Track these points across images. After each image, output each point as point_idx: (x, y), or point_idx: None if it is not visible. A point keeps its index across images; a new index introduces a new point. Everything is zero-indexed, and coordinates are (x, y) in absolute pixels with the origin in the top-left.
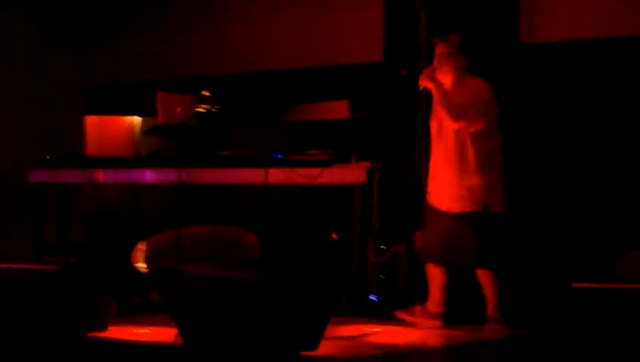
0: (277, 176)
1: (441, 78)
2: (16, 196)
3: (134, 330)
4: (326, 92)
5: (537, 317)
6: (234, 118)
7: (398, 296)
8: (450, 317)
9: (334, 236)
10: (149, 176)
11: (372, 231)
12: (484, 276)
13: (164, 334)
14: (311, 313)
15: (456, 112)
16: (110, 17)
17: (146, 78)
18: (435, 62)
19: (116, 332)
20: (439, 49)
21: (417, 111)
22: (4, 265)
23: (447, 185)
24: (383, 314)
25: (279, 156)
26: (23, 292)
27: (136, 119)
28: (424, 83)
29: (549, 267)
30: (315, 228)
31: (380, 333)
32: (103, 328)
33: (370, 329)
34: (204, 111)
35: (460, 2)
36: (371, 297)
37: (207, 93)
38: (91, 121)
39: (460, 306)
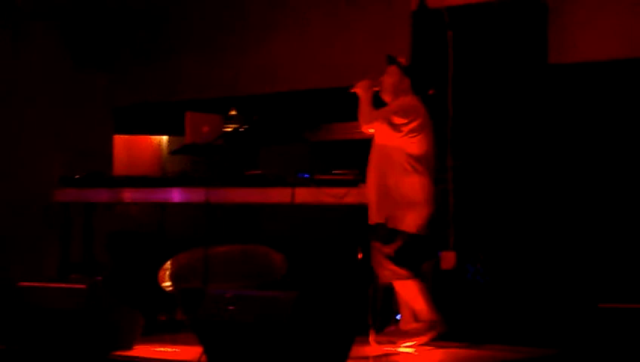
0: (303, 195)
1: (383, 96)
2: (43, 214)
3: (159, 349)
4: (352, 111)
5: (563, 336)
6: (261, 137)
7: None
8: (474, 336)
9: (360, 255)
10: (176, 195)
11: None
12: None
13: (189, 353)
14: (337, 332)
15: (370, 116)
16: (139, 38)
17: (173, 98)
18: (380, 80)
19: (141, 350)
20: (387, 70)
21: (444, 131)
22: (31, 284)
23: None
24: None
25: (306, 176)
26: (49, 311)
27: (164, 138)
28: (356, 89)
29: (575, 286)
30: (341, 247)
31: (405, 354)
32: (129, 347)
33: (395, 349)
34: (231, 130)
35: (488, 22)
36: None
37: (234, 113)
38: (119, 141)
39: (484, 326)
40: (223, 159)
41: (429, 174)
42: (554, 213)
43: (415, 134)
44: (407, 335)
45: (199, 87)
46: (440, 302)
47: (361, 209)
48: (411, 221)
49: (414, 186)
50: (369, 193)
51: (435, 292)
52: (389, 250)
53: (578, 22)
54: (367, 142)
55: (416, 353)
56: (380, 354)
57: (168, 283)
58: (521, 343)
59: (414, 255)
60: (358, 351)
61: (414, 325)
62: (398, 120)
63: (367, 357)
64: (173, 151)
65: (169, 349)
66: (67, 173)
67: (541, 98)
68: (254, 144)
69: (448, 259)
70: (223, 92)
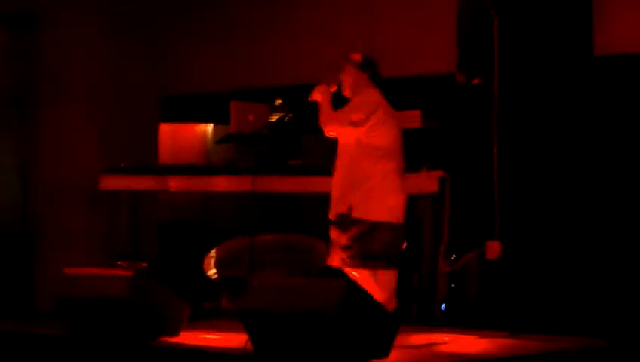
0: None
1: (344, 93)
2: (90, 203)
3: (205, 336)
4: (398, 102)
5: (610, 327)
6: (305, 127)
7: (468, 305)
8: (517, 326)
9: (405, 244)
10: (221, 184)
11: (443, 240)
12: None
13: (235, 340)
14: (381, 321)
15: (330, 118)
16: (185, 27)
17: (219, 87)
18: (340, 78)
19: (187, 337)
20: (344, 67)
21: (489, 120)
22: (78, 272)
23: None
24: (453, 323)
25: None
26: (96, 299)
27: (209, 127)
28: (314, 96)
29: (623, 278)
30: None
31: (450, 343)
32: (175, 334)
33: (440, 338)
34: (276, 119)
35: (533, 12)
36: (441, 306)
37: (279, 102)
38: (165, 129)
39: (528, 316)
40: (267, 148)
41: (396, 163)
42: (600, 203)
43: (376, 128)
44: None
45: (245, 76)
46: (484, 292)
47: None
48: (381, 210)
49: (381, 176)
50: (333, 188)
51: (480, 281)
52: (346, 239)
53: (623, 12)
54: (413, 133)
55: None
56: (424, 343)
57: (213, 271)
58: (565, 333)
59: (384, 244)
60: (403, 339)
61: None
62: (356, 116)
63: (412, 346)
64: (219, 140)
65: (214, 336)
66: (113, 162)
67: (586, 90)
68: (298, 133)
69: (494, 249)
70: (268, 81)
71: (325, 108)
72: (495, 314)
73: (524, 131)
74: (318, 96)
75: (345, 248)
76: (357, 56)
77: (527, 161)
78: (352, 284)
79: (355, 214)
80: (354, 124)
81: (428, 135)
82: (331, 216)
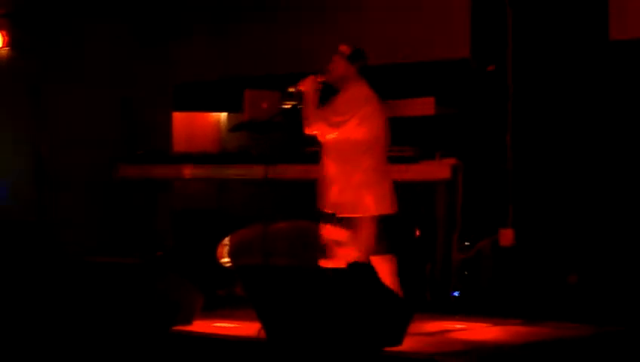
0: None
1: (333, 84)
2: (105, 191)
3: (218, 324)
4: (412, 89)
5: (624, 314)
6: None
7: (481, 292)
8: (531, 313)
9: (418, 232)
10: (235, 171)
11: (456, 227)
12: None
13: (248, 328)
14: (395, 309)
15: (312, 118)
16: (199, 15)
17: (232, 75)
18: (328, 68)
19: (201, 325)
20: (333, 58)
21: (503, 106)
22: (93, 259)
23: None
24: (467, 311)
25: None
26: (110, 286)
27: (223, 115)
28: (301, 86)
29: (638, 264)
30: (399, 224)
31: (464, 330)
32: (189, 322)
33: (453, 326)
34: (289, 107)
35: None
36: (455, 293)
37: (293, 90)
38: (179, 117)
39: (541, 303)
40: (281, 136)
41: (380, 154)
42: (614, 188)
43: (362, 124)
44: None
45: (258, 64)
46: (498, 279)
47: (420, 186)
48: (367, 204)
49: (364, 169)
50: (321, 184)
51: (493, 269)
52: (339, 236)
53: None
54: (426, 119)
55: None
56: (438, 330)
57: (227, 259)
58: (579, 320)
59: (382, 234)
60: (416, 327)
61: None
62: (337, 118)
63: (425, 333)
64: (232, 128)
65: (228, 324)
66: (129, 150)
67: (602, 75)
68: None
69: (507, 236)
70: (281, 69)
71: (309, 105)
72: (508, 301)
73: (538, 118)
74: (304, 86)
75: (338, 244)
76: (345, 48)
77: (541, 147)
78: (365, 272)
79: (343, 212)
80: (333, 125)
81: (441, 122)
82: (321, 208)
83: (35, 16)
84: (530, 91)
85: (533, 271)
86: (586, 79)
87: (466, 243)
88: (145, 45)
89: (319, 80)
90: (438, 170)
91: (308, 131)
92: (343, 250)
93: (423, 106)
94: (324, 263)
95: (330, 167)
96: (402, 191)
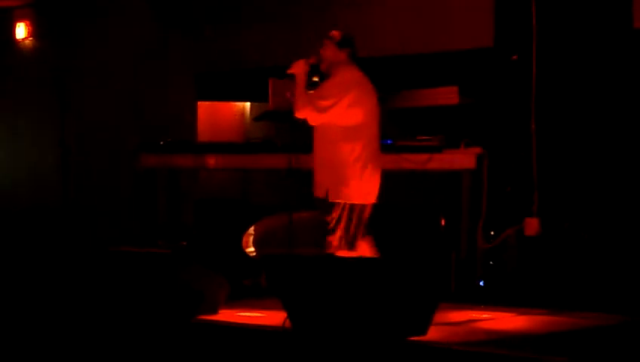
0: (386, 161)
1: (323, 68)
2: (129, 180)
3: (244, 314)
4: (435, 78)
5: None
6: None
7: (506, 282)
8: (555, 303)
9: (443, 221)
10: (259, 161)
11: (481, 216)
12: None
13: (274, 318)
14: (420, 298)
15: (301, 102)
16: (224, 3)
17: (255, 64)
18: (320, 53)
19: (226, 315)
20: (324, 43)
21: (527, 95)
22: (118, 249)
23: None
24: (492, 300)
25: (388, 142)
26: (135, 275)
27: (247, 105)
28: (292, 70)
29: None
30: (424, 214)
31: (489, 319)
32: (214, 311)
33: (478, 315)
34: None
35: None
36: (480, 283)
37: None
38: (203, 107)
39: (567, 292)
40: (305, 125)
41: (371, 143)
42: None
43: (350, 109)
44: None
45: (282, 54)
46: (523, 268)
47: (445, 175)
48: (356, 193)
49: (355, 157)
50: (313, 170)
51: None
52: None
53: None
54: (450, 109)
55: None
56: (463, 320)
57: (252, 249)
58: (605, 310)
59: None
60: (441, 316)
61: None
62: (324, 103)
63: (450, 323)
64: (257, 118)
65: (253, 314)
66: (152, 140)
67: (626, 63)
68: None
69: (532, 226)
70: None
71: (300, 89)
72: (534, 290)
73: (563, 106)
74: (295, 69)
75: (330, 231)
76: (336, 34)
77: (565, 136)
78: (389, 261)
79: (332, 198)
80: (321, 110)
81: (465, 111)
82: (317, 195)
83: (59, 6)
84: (554, 80)
85: (559, 261)
86: (609, 67)
87: (491, 233)
88: (169, 34)
89: (310, 62)
90: (463, 159)
91: (298, 115)
92: (330, 237)
93: (446, 96)
94: (342, 253)
95: (320, 152)
96: (427, 180)
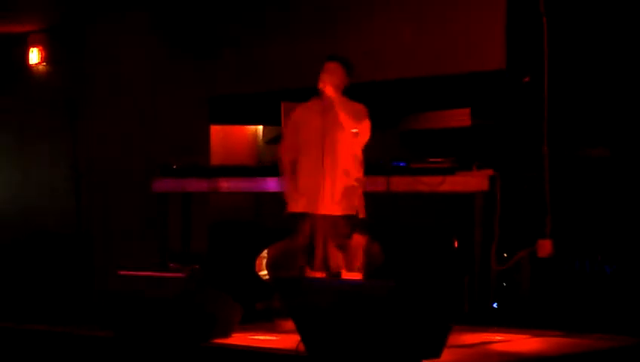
0: (399, 183)
1: (326, 90)
2: (141, 204)
3: (257, 337)
4: (448, 100)
5: None
6: None
7: (520, 304)
8: (569, 325)
9: (456, 243)
10: (272, 184)
11: (494, 238)
12: None
13: (287, 341)
14: (433, 320)
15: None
16: (235, 27)
17: (268, 87)
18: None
19: (239, 338)
20: (329, 66)
21: (540, 117)
22: (130, 273)
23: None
24: (506, 322)
25: (401, 164)
26: (148, 300)
27: (259, 128)
28: (325, 87)
29: None
30: (437, 236)
31: (502, 342)
32: (227, 335)
33: (492, 338)
34: None
35: (584, 7)
36: (493, 305)
37: None
38: (216, 130)
39: (581, 314)
40: None
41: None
42: None
43: (363, 137)
44: None
45: (294, 77)
46: (536, 290)
47: (458, 197)
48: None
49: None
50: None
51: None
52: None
53: None
54: (463, 131)
55: None
56: (476, 342)
57: (265, 272)
58: (619, 332)
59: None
60: (455, 339)
61: None
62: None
63: (464, 345)
64: (269, 141)
65: (267, 337)
66: (165, 163)
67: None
68: None
69: (545, 247)
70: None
71: (341, 103)
72: (548, 312)
73: (575, 128)
74: (327, 87)
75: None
76: (346, 60)
77: (578, 158)
78: (403, 284)
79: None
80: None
81: (478, 133)
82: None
83: (72, 32)
84: (566, 101)
85: (573, 282)
86: (622, 89)
87: (505, 255)
88: (181, 57)
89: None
90: (475, 181)
91: (349, 128)
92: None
93: (459, 118)
94: (347, 275)
95: (333, 169)
96: (440, 202)
